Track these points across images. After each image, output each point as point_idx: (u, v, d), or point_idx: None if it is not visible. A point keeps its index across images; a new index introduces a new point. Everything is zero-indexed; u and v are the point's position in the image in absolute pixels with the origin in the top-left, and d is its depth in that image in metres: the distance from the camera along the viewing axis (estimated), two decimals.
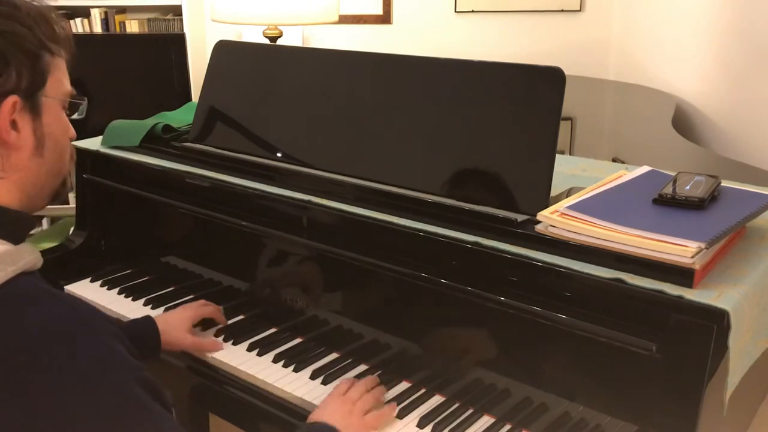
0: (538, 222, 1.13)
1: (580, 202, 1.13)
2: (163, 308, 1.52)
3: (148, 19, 4.02)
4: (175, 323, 1.37)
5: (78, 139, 1.08)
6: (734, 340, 0.96)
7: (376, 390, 1.20)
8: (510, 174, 1.24)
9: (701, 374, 0.95)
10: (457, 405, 1.20)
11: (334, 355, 1.34)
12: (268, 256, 1.46)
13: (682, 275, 0.99)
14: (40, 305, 0.85)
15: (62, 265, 1.69)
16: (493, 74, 1.30)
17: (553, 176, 1.20)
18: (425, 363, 1.25)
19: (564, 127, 2.51)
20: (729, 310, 0.94)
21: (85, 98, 1.02)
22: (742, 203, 1.15)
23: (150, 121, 1.74)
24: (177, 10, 3.97)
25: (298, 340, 1.39)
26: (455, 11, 4.07)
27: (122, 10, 4.03)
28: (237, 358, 1.34)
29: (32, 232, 2.15)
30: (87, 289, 1.62)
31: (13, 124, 0.90)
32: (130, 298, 1.57)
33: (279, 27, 2.97)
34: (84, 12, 3.93)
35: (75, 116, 1.02)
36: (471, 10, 4.05)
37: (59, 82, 0.96)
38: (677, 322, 0.98)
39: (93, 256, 1.74)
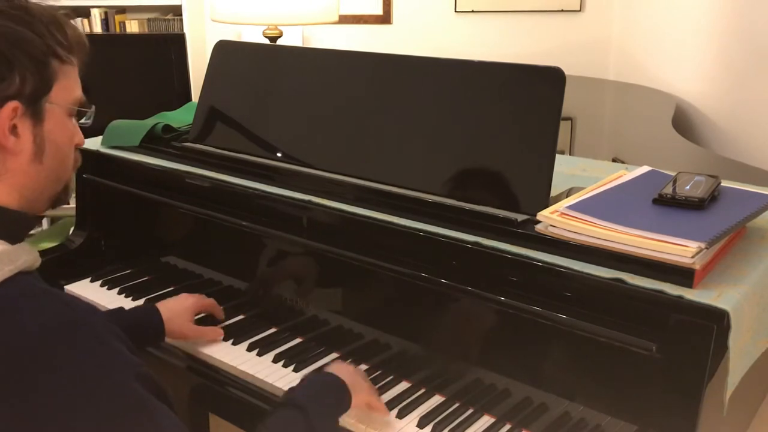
0: (538, 222, 1.13)
1: (580, 202, 1.13)
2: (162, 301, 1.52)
3: (148, 19, 4.02)
4: (179, 311, 1.37)
5: None
6: (734, 340, 0.96)
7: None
8: (510, 174, 1.24)
9: (701, 374, 0.95)
10: (457, 405, 1.20)
11: (334, 355, 1.34)
12: (268, 256, 1.46)
13: (682, 275, 0.99)
14: (38, 304, 0.85)
15: (62, 265, 1.69)
16: (493, 74, 1.30)
17: (553, 176, 1.20)
18: (425, 363, 1.25)
19: (564, 127, 2.51)
20: (729, 310, 0.94)
21: (93, 106, 1.02)
22: (742, 203, 1.15)
23: (150, 121, 1.74)
24: (177, 10, 3.97)
25: (298, 340, 1.39)
26: (455, 11, 4.07)
27: (122, 10, 4.03)
28: (237, 358, 1.34)
29: (32, 232, 2.15)
30: (87, 289, 1.62)
31: (13, 129, 0.89)
32: (130, 298, 1.57)
33: (279, 27, 2.97)
34: (84, 12, 3.93)
35: (82, 122, 1.01)
36: (471, 10, 4.05)
37: (66, 89, 0.95)
38: (677, 322, 0.98)
39: (93, 256, 1.74)
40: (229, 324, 1.45)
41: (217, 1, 2.90)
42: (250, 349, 1.36)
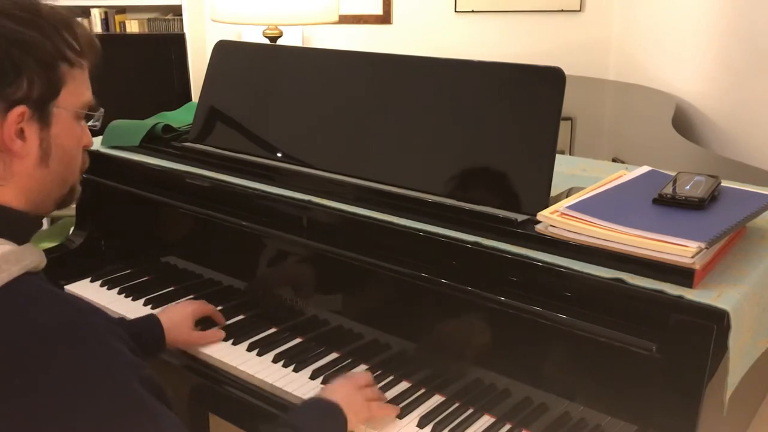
0: (538, 222, 1.13)
1: (580, 202, 1.13)
2: (162, 308, 1.52)
3: (148, 19, 4.02)
4: (179, 320, 1.37)
5: None
6: (734, 340, 0.96)
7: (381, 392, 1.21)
8: (510, 174, 1.24)
9: (701, 374, 0.95)
10: (457, 405, 1.20)
11: (334, 355, 1.34)
12: (268, 256, 1.46)
13: (682, 275, 0.99)
14: (43, 305, 0.85)
15: (62, 264, 1.69)
16: (493, 74, 1.30)
17: (553, 176, 1.20)
18: (425, 363, 1.25)
19: (564, 127, 2.51)
20: (729, 310, 0.94)
21: (102, 109, 1.01)
22: (742, 203, 1.15)
23: (150, 121, 1.74)
24: (177, 10, 3.97)
25: (298, 340, 1.39)
26: (455, 11, 4.07)
27: (122, 10, 4.03)
28: (237, 358, 1.34)
29: None
30: (87, 289, 1.62)
31: (20, 133, 0.89)
32: (130, 298, 1.57)
33: (279, 27, 2.98)
34: (84, 12, 3.93)
35: (90, 124, 1.01)
36: (471, 10, 4.05)
37: (75, 93, 0.94)
38: (677, 322, 0.98)
39: (93, 256, 1.74)
40: (229, 324, 1.45)
41: (217, 1, 2.90)
42: (250, 349, 1.36)
